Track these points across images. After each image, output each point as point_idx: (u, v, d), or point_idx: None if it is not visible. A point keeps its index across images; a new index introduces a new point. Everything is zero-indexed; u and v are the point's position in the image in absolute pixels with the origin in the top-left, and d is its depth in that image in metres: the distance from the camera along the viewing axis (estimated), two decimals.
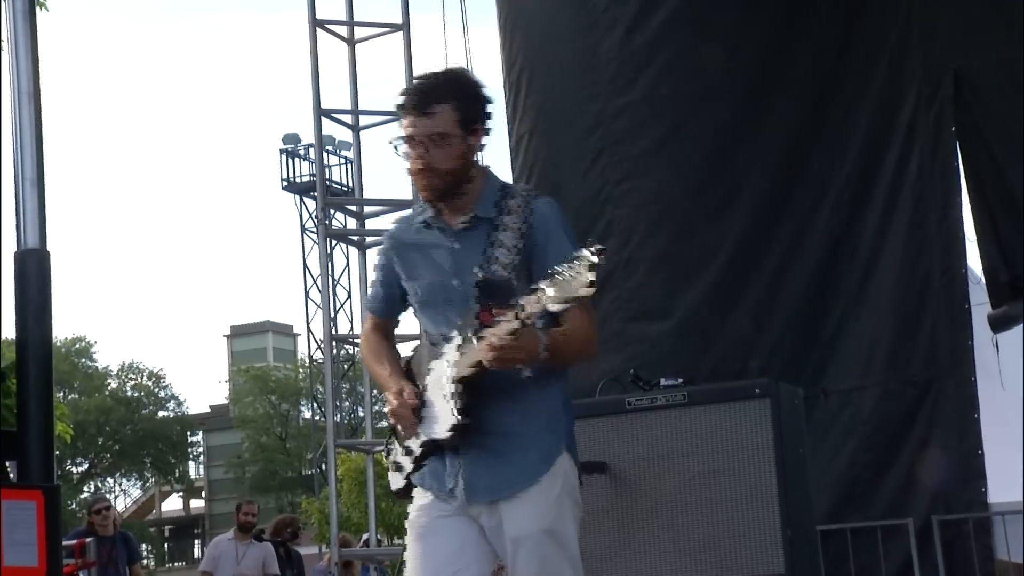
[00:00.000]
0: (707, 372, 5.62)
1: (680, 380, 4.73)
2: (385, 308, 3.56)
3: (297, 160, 27.39)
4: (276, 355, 45.37)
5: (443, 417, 3.24)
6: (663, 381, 4.75)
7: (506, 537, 3.26)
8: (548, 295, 2.88)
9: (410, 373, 3.46)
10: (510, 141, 6.61)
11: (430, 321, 3.38)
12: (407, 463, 3.40)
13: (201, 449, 48.97)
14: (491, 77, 6.74)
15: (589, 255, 2.80)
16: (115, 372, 46.84)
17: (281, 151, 27.66)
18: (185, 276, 76.70)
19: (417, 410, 3.33)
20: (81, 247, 59.49)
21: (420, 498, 3.38)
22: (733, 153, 6.11)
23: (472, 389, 3.20)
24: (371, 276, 3.64)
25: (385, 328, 3.62)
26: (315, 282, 28.40)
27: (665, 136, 6.26)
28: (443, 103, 3.28)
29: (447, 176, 3.29)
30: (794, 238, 5.97)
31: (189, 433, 47.86)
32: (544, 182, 6.48)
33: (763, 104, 6.07)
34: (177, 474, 47.19)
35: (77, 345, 44.68)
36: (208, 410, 50.42)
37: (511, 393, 3.23)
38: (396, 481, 3.46)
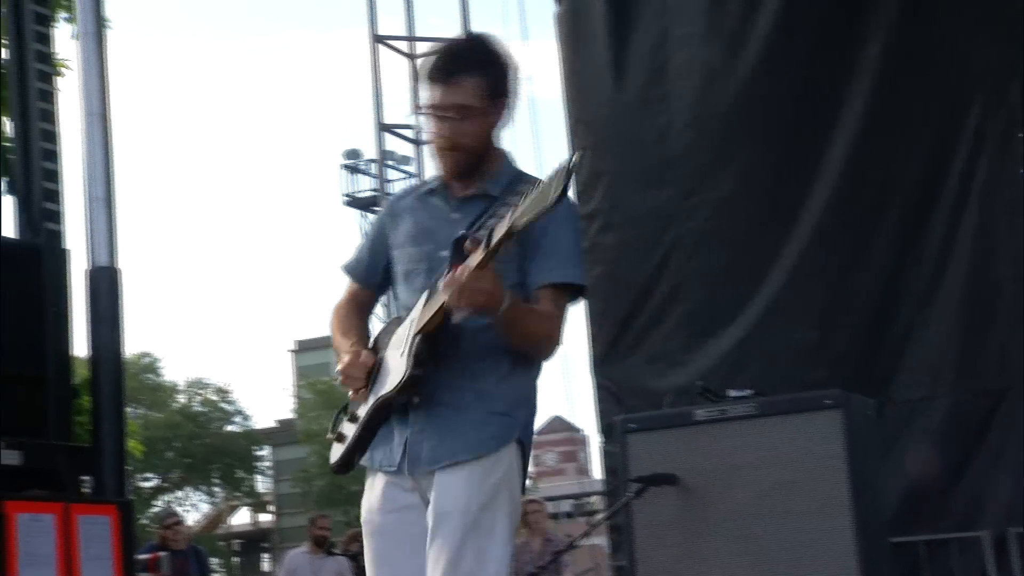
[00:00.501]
0: (773, 383, 5.55)
1: (749, 391, 4.69)
2: (365, 274, 3.36)
3: (358, 175, 27.49)
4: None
5: (395, 372, 3.04)
6: (731, 393, 4.71)
7: (430, 511, 3.03)
8: (518, 211, 2.68)
9: (375, 348, 3.23)
10: (571, 151, 6.59)
11: (409, 290, 3.19)
12: (350, 431, 3.19)
13: (268, 463, 49.27)
14: (552, 90, 6.72)
15: (566, 164, 2.59)
16: (182, 387, 47.29)
17: (342, 166, 27.78)
18: (249, 291, 77.45)
19: (371, 373, 3.12)
20: (145, 263, 60.13)
21: (370, 490, 3.18)
22: (797, 163, 6.05)
23: (431, 343, 3.00)
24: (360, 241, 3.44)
25: (361, 302, 3.40)
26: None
27: (731, 149, 6.21)
28: (470, 74, 3.09)
29: (472, 152, 3.14)
30: (859, 246, 5.90)
31: (256, 447, 48.19)
32: (608, 194, 6.45)
33: (827, 114, 6.01)
34: (245, 488, 47.53)
35: (143, 360, 45.13)
36: (275, 425, 50.75)
37: (471, 370, 3.05)
38: (336, 452, 3.24)
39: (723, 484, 4.57)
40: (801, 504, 4.42)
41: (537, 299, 3.05)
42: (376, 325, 3.43)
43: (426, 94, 3.14)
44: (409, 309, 3.15)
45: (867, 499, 4.41)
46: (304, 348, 49.79)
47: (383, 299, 3.48)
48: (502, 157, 3.25)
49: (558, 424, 49.61)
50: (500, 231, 2.74)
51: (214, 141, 78.79)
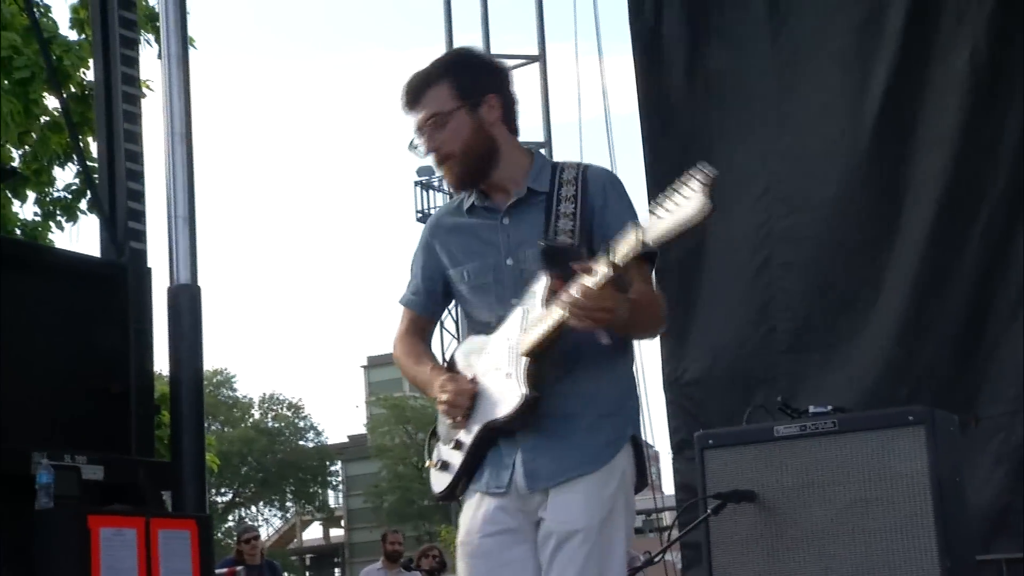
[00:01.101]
0: (858, 400, 5.49)
1: (830, 407, 4.64)
2: (426, 303, 3.32)
3: (431, 192, 27.67)
4: (413, 385, 46.06)
5: (506, 396, 2.99)
6: (812, 409, 4.66)
7: (545, 530, 3.01)
8: (646, 229, 2.60)
9: (453, 371, 3.20)
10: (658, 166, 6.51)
11: (482, 305, 3.15)
12: (456, 459, 3.14)
13: (340, 478, 49.58)
14: (629, 105, 6.69)
15: (699, 176, 2.50)
16: (257, 403, 47.78)
17: (415, 183, 27.98)
18: (323, 308, 78.01)
19: (474, 398, 3.07)
20: (223, 279, 60.78)
21: (472, 510, 3.13)
22: (890, 180, 5.96)
23: (540, 362, 2.96)
24: (410, 269, 3.37)
25: (422, 329, 3.37)
26: (449, 312, 28.71)
27: (827, 169, 6.15)
28: (433, 86, 3.10)
29: (462, 155, 3.09)
30: (946, 261, 5.81)
31: (328, 462, 48.55)
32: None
33: (918, 131, 5.91)
34: (317, 503, 47.87)
35: (218, 377, 45.62)
36: (346, 440, 51.08)
37: (572, 375, 3.01)
38: (441, 481, 3.19)
39: (802, 501, 4.53)
40: (883, 522, 4.36)
41: (629, 281, 2.98)
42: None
43: (411, 121, 3.14)
44: (487, 325, 3.12)
45: (951, 517, 4.34)
46: (375, 364, 50.04)
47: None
48: (526, 154, 3.21)
49: None
50: (626, 248, 2.67)
51: (291, 158, 79.57)
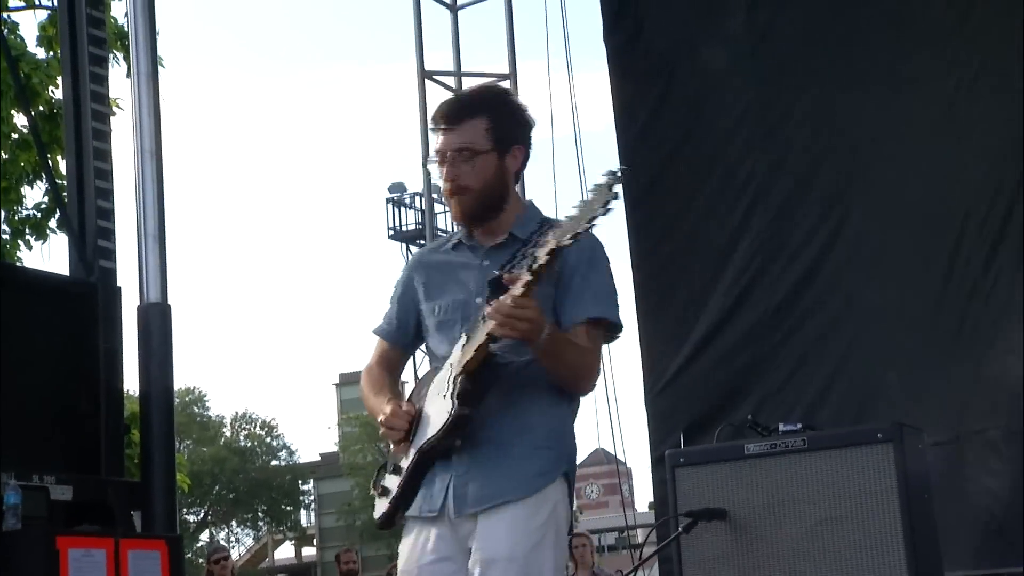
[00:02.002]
0: (833, 418, 5.50)
1: (800, 425, 4.67)
2: (396, 334, 3.34)
3: (403, 209, 27.60)
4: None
5: (440, 415, 3.02)
6: (781, 427, 4.68)
7: (472, 558, 3.00)
8: (560, 230, 2.68)
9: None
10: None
11: (444, 340, 3.17)
12: (394, 484, 3.16)
13: (312, 497, 49.40)
14: (598, 122, 6.74)
15: (604, 176, 2.58)
16: (228, 422, 47.58)
17: (387, 200, 27.92)
18: (294, 326, 77.82)
19: (412, 422, 3.10)
20: (193, 297, 60.59)
21: (409, 537, 3.13)
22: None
23: (474, 381, 2.98)
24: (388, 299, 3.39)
25: (392, 361, 3.39)
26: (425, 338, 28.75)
27: (813, 180, 6.18)
28: (475, 117, 3.12)
29: (478, 194, 3.12)
30: (937, 287, 5.83)
31: (300, 481, 48.36)
32: (679, 216, 6.43)
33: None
34: (289, 522, 47.67)
35: (189, 395, 45.42)
36: (318, 458, 50.89)
37: (513, 405, 3.03)
38: (381, 507, 3.20)
39: (773, 519, 4.54)
40: (852, 540, 4.38)
41: (574, 335, 3.05)
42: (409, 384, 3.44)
43: (435, 140, 3.16)
44: (444, 359, 3.14)
45: (921, 535, 4.37)
46: (347, 382, 49.92)
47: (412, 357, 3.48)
48: (527, 206, 3.25)
49: (601, 456, 49.30)
50: (544, 252, 2.74)
51: (261, 175, 79.46)
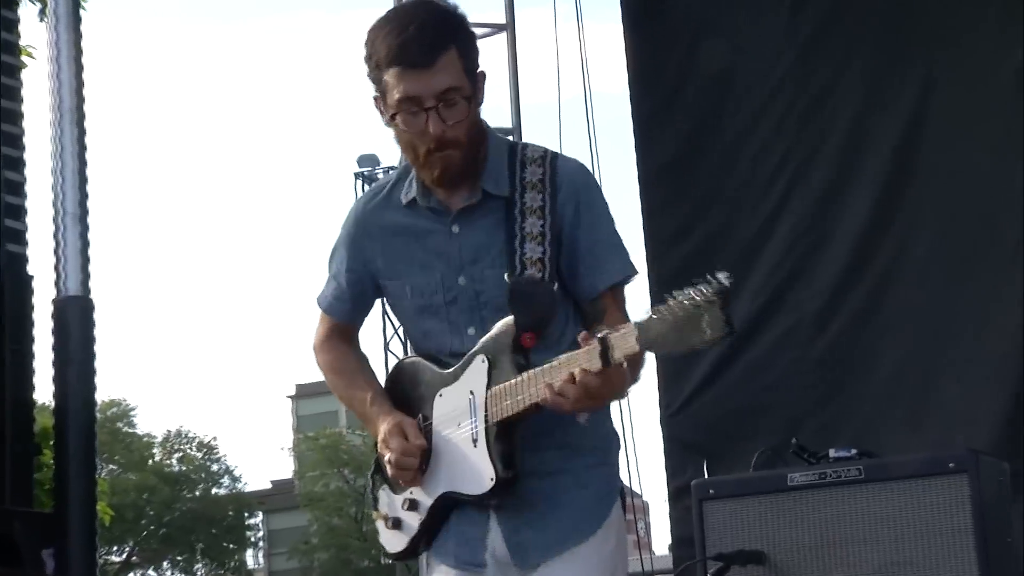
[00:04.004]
0: (889, 443, 5.50)
1: (854, 451, 4.67)
2: (351, 310, 3.38)
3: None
4: (350, 419, 45.73)
5: (474, 470, 3.06)
6: (832, 452, 4.69)
7: None
8: (649, 333, 2.67)
9: (395, 398, 3.27)
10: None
11: (432, 331, 3.21)
12: (412, 520, 3.22)
13: (261, 533, 49.45)
14: (610, 82, 6.70)
15: (716, 287, 2.58)
16: (159, 441, 47.57)
17: (356, 175, 27.92)
18: (242, 326, 77.81)
19: (425, 453, 3.15)
20: (116, 291, 60.47)
21: None
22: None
23: (512, 434, 3.04)
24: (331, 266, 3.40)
25: (346, 333, 3.43)
26: (396, 332, 28.70)
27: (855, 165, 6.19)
28: (448, 48, 3.04)
29: (466, 147, 3.09)
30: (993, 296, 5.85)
31: (247, 514, 48.39)
32: (699, 205, 6.43)
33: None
34: (233, 563, 47.70)
35: (113, 409, 45.41)
36: (269, 487, 50.94)
37: (553, 421, 3.05)
38: (397, 542, 3.27)
39: (821, 565, 4.55)
40: None
41: (603, 310, 3.11)
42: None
43: (401, 84, 3.04)
44: (438, 359, 3.19)
45: None
46: (305, 394, 50.00)
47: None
48: (488, 140, 3.20)
49: None
50: (624, 348, 2.73)
51: (205, 143, 79.56)
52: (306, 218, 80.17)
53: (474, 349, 3.12)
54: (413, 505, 3.21)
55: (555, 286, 3.06)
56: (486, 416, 3.04)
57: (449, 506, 3.17)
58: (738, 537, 4.65)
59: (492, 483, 3.02)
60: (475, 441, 3.05)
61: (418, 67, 3.01)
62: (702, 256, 6.37)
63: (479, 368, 3.08)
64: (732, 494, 4.74)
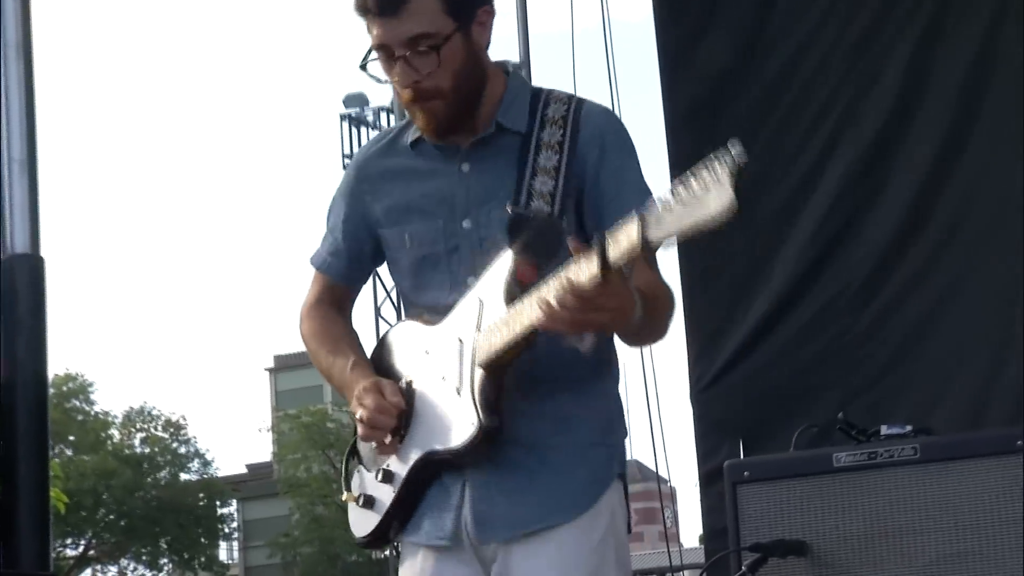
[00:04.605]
0: (948, 419, 5.52)
1: (909, 428, 4.68)
2: (347, 268, 3.42)
3: (363, 128, 27.60)
4: (336, 395, 45.92)
5: (456, 420, 3.06)
6: (884, 430, 4.70)
7: None
8: (656, 219, 2.62)
9: (380, 369, 3.27)
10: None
11: (429, 283, 3.23)
12: (385, 494, 3.22)
13: (236, 524, 49.59)
14: (637, 8, 6.69)
15: (724, 161, 2.57)
16: (119, 420, 47.66)
17: (342, 117, 27.91)
18: (213, 290, 77.84)
19: (403, 416, 3.15)
20: (70, 251, 60.45)
21: (412, 570, 3.21)
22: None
23: (501, 377, 3.03)
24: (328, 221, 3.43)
25: (340, 299, 3.46)
26: (388, 295, 28.75)
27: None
28: None
29: (452, 93, 3.12)
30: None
31: (219, 503, 48.51)
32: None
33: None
34: (204, 558, 47.83)
35: (68, 384, 45.47)
36: (244, 471, 51.06)
37: (542, 387, 3.07)
38: (366, 523, 3.28)
39: (872, 556, 4.57)
40: None
41: (631, 264, 3.06)
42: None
43: (374, 33, 3.10)
44: (432, 311, 3.19)
45: None
46: (285, 366, 50.06)
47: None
48: (502, 75, 3.24)
49: (634, 471, 49.25)
50: (625, 242, 2.68)
51: (172, 80, 79.33)
52: (288, 168, 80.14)
53: (467, 294, 3.12)
54: (387, 477, 3.19)
55: (564, 222, 3.05)
56: (472, 359, 3.03)
57: (426, 475, 3.15)
58: (777, 525, 4.66)
59: (473, 428, 3.00)
60: (459, 390, 3.05)
61: (384, 14, 3.06)
62: (734, 217, 6.35)
63: (469, 310, 3.08)
64: (770, 476, 4.75)
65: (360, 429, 3.17)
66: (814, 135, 6.28)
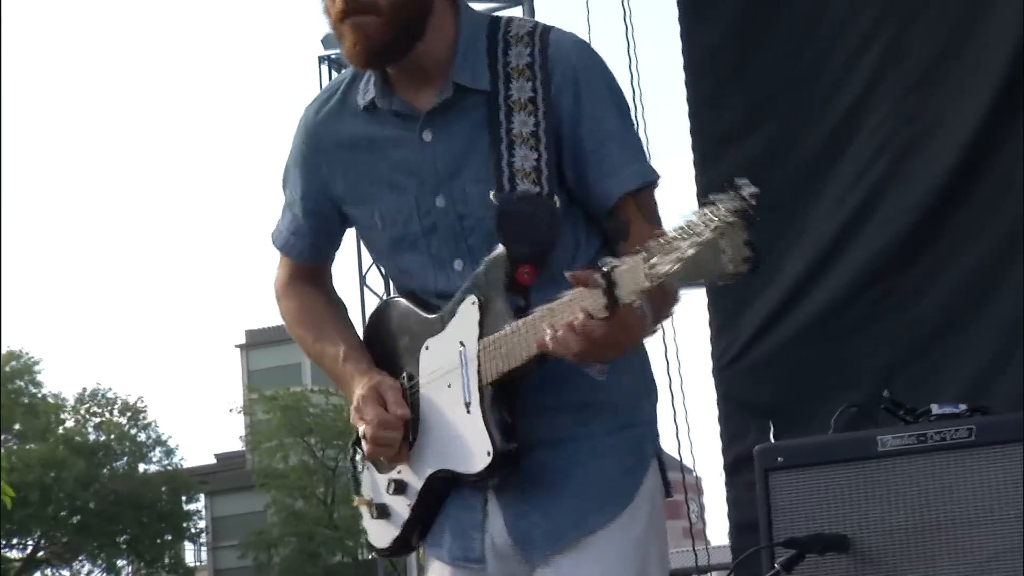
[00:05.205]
0: (1008, 395, 5.52)
1: (963, 407, 4.68)
2: (312, 247, 3.45)
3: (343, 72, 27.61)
4: (316, 374, 45.86)
5: (468, 442, 3.11)
6: (935, 409, 4.71)
7: None
8: (664, 265, 2.63)
9: (374, 352, 3.33)
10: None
11: (411, 267, 3.27)
12: (401, 507, 3.29)
13: (203, 523, 49.68)
14: None
15: (736, 204, 2.52)
16: (71, 404, 47.69)
17: (321, 59, 27.85)
18: (177, 257, 77.79)
19: (409, 423, 3.21)
20: (12, 215, 60.49)
21: None
22: None
23: (512, 394, 3.08)
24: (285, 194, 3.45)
25: (312, 273, 3.50)
26: (375, 262, 28.88)
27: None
28: None
29: (389, 11, 3.10)
30: None
31: (185, 497, 48.56)
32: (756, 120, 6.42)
33: None
34: (168, 559, 47.94)
35: (13, 363, 45.52)
36: (213, 461, 51.15)
37: (562, 373, 3.10)
38: (385, 534, 3.34)
39: (921, 551, 4.60)
40: None
41: (626, 222, 3.13)
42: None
43: None
44: (422, 299, 3.24)
45: None
46: (258, 343, 50.10)
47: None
48: (447, 9, 3.22)
49: None
50: (631, 283, 2.71)
51: (134, 22, 79.23)
52: (260, 117, 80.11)
53: (463, 288, 3.16)
54: (400, 488, 3.26)
55: (556, 202, 3.08)
56: (479, 374, 3.08)
57: (443, 487, 3.22)
58: (814, 517, 4.69)
59: (489, 459, 3.07)
60: (468, 406, 3.10)
61: None
62: (762, 161, 6.35)
63: (469, 312, 3.12)
64: (806, 463, 4.78)
65: (365, 446, 3.23)
66: (852, 74, 6.25)
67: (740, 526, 5.99)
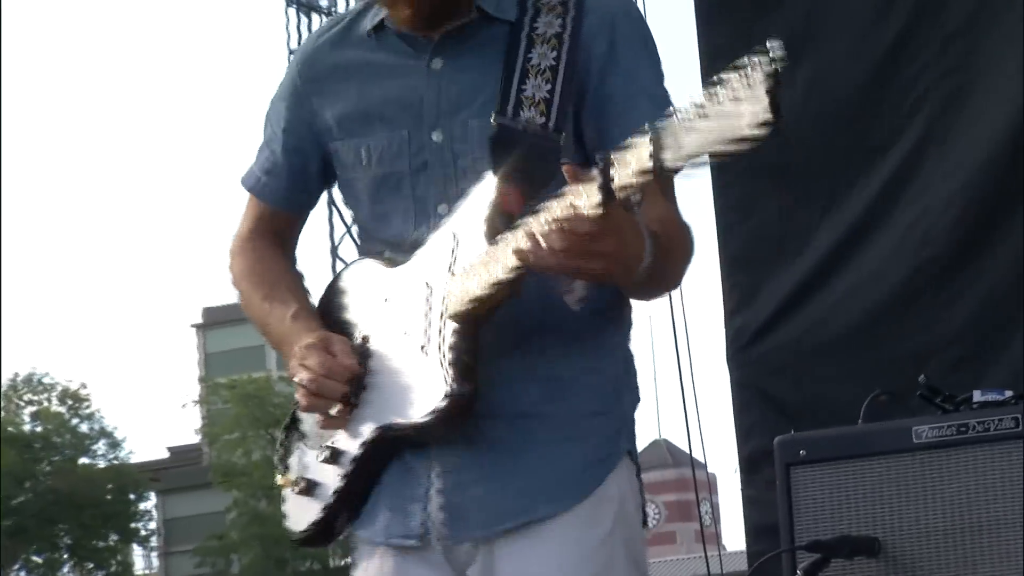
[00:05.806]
0: None
1: (1008, 394, 4.70)
2: (288, 190, 3.43)
3: (315, 16, 27.63)
4: (281, 360, 45.88)
5: (422, 385, 3.07)
6: (978, 396, 4.72)
7: None
8: (674, 136, 2.58)
9: (328, 321, 3.29)
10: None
11: (389, 211, 3.25)
12: (331, 479, 3.24)
13: (155, 523, 49.72)
14: None
15: (763, 63, 2.50)
16: (3, 391, 47.67)
17: (288, 2, 27.93)
18: (126, 226, 77.75)
19: (356, 380, 3.15)
20: None
21: (368, 571, 3.25)
22: None
23: (476, 331, 3.05)
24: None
25: (280, 229, 3.48)
26: (348, 231, 28.84)
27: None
28: None
29: None
30: None
31: (134, 495, 48.59)
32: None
33: None
34: (114, 564, 47.98)
35: None
36: (166, 456, 51.20)
37: (529, 344, 3.11)
38: (305, 513, 3.29)
39: (961, 555, 4.62)
40: None
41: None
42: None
43: None
44: (395, 247, 3.22)
45: None
46: (216, 322, 50.13)
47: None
48: None
49: (663, 455, 49.23)
50: (632, 169, 2.65)
51: None
52: (221, 66, 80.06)
53: (439, 228, 3.13)
54: (333, 456, 3.21)
55: (563, 137, 3.06)
56: (443, 309, 3.04)
57: (384, 454, 3.17)
58: (841, 518, 4.71)
59: (442, 400, 3.01)
60: (425, 348, 3.07)
61: None
62: (780, 136, 6.35)
63: (441, 248, 3.09)
64: (832, 456, 4.79)
65: (301, 397, 3.17)
66: (881, 23, 6.26)
67: (757, 528, 6.01)
